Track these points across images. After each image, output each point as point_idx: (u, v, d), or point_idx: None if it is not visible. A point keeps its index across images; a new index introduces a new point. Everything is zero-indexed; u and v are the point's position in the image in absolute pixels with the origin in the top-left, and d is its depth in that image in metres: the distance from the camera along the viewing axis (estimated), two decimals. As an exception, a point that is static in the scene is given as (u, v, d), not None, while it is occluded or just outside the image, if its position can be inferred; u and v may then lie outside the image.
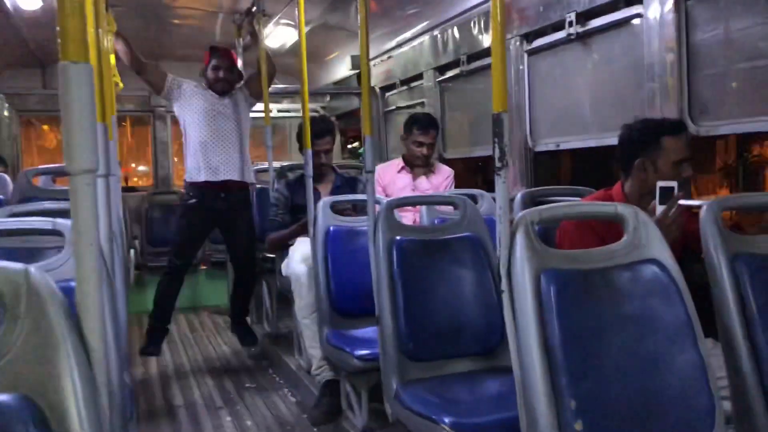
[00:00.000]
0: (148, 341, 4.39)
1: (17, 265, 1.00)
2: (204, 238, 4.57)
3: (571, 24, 3.22)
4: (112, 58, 3.43)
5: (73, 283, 1.06)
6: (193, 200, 4.30)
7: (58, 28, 1.01)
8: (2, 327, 0.98)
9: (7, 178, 4.00)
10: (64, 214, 2.06)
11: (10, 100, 6.58)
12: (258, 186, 5.03)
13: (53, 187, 3.76)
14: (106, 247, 1.90)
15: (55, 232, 1.82)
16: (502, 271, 1.64)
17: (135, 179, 8.72)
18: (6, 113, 6.59)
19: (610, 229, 2.17)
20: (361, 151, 7.63)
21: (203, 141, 4.25)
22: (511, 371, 1.65)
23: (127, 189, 6.60)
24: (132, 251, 5.83)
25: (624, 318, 1.65)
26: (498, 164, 1.66)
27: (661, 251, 1.74)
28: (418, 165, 4.20)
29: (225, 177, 4.27)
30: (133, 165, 8.90)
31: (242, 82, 4.49)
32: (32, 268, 1.01)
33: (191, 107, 4.29)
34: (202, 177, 4.25)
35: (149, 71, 4.30)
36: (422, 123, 4.19)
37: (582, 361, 1.56)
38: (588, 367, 1.56)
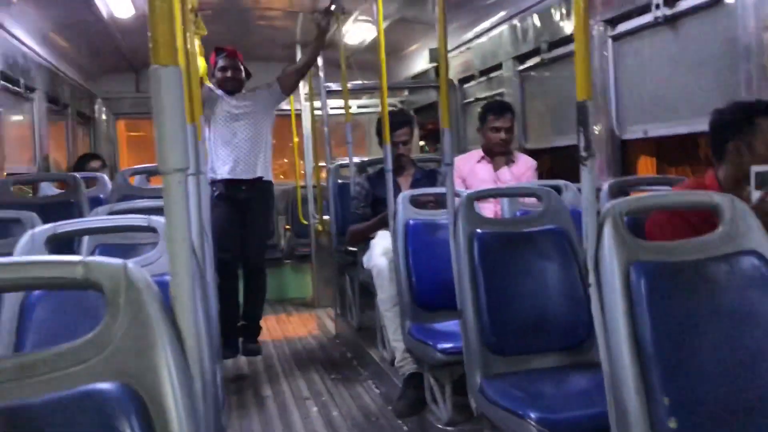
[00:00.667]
0: (224, 344, 4.34)
1: (117, 261, 1.05)
2: (239, 227, 4.40)
3: (658, 6, 3.09)
4: (201, 62, 3.56)
5: (167, 277, 1.11)
6: (217, 192, 4.33)
7: (149, 34, 1.05)
8: (104, 320, 1.04)
9: (107, 178, 4.21)
10: (158, 211, 2.15)
11: (107, 104, 6.94)
12: (339, 181, 5.10)
13: (148, 186, 3.94)
14: (196, 243, 1.97)
15: (150, 229, 1.90)
16: (590, 264, 1.60)
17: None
18: (104, 116, 6.95)
19: (703, 219, 2.08)
20: (425, 148, 7.58)
21: (217, 140, 4.33)
22: (598, 366, 1.60)
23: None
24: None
25: (720, 312, 1.58)
26: (583, 154, 1.62)
27: (761, 242, 1.65)
28: (498, 152, 4.14)
29: (239, 176, 4.31)
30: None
31: (275, 78, 4.52)
32: (130, 263, 1.05)
33: (210, 109, 4.36)
34: (218, 176, 4.32)
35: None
36: (496, 108, 4.15)
37: (675, 357, 1.50)
38: (682, 362, 1.50)
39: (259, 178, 4.38)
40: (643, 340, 1.49)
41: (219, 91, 4.40)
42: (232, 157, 4.32)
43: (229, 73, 4.39)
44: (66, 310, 1.68)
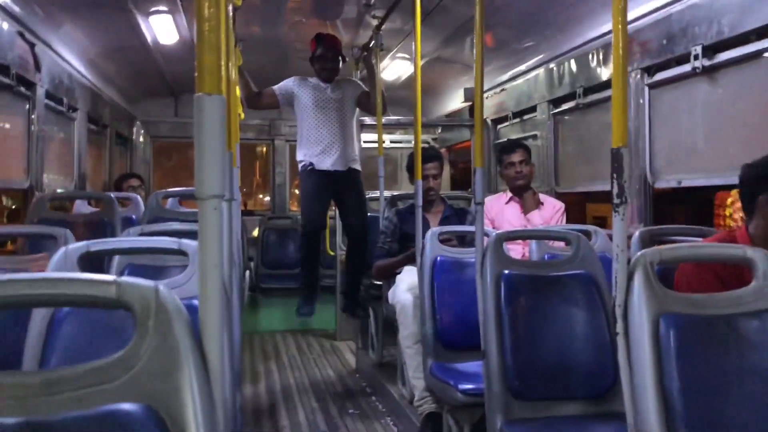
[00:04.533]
0: (302, 301, 4.59)
1: (148, 282, 1.07)
2: (327, 199, 4.52)
3: (696, 57, 3.09)
4: (237, 90, 3.63)
5: (195, 301, 1.12)
6: (309, 166, 4.42)
7: (195, 63, 1.08)
8: (132, 340, 1.05)
9: (140, 199, 4.29)
10: (188, 234, 2.18)
11: (145, 127, 7.09)
12: (369, 214, 5.11)
13: (180, 209, 4.00)
14: (226, 268, 1.99)
15: (180, 252, 1.92)
16: (618, 312, 1.57)
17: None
18: (141, 138, 7.10)
19: (732, 272, 2.04)
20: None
21: (312, 126, 4.41)
22: (622, 417, 1.57)
23: (245, 213, 6.90)
24: (247, 273, 6.07)
25: (750, 370, 1.54)
26: (616, 200, 1.61)
27: (795, 300, 1.62)
28: (520, 186, 4.15)
29: (333, 167, 4.39)
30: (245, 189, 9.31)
31: (363, 90, 4.60)
32: (161, 286, 1.07)
33: (301, 99, 4.47)
34: (312, 160, 4.40)
35: (262, 99, 4.52)
36: (506, 146, 4.26)
37: (703, 413, 1.46)
38: (709, 419, 1.47)
39: (350, 170, 4.47)
40: (670, 394, 1.46)
41: (311, 79, 4.52)
42: (326, 144, 4.41)
43: (328, 63, 4.47)
44: (93, 329, 1.70)
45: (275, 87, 4.54)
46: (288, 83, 4.53)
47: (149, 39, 4.88)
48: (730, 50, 2.96)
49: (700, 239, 2.71)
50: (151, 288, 1.06)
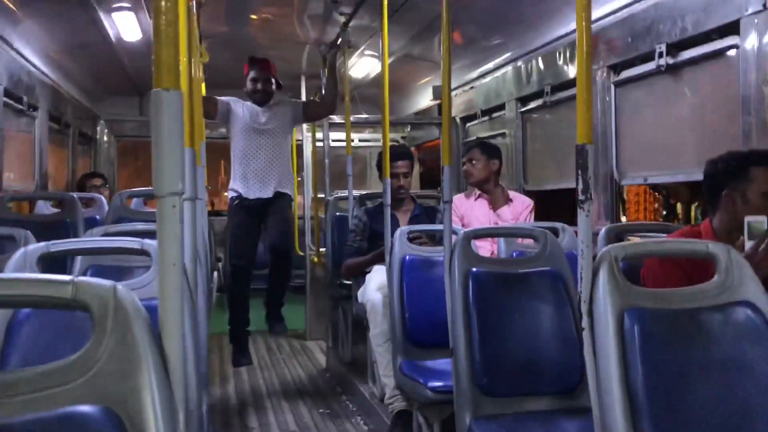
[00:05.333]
0: (235, 351, 4.50)
1: (106, 282, 1.04)
2: (255, 234, 4.50)
3: (661, 55, 3.13)
4: (203, 88, 3.59)
5: (157, 302, 1.09)
6: (236, 200, 4.41)
7: (153, 57, 1.06)
8: (90, 341, 1.02)
9: (104, 199, 4.21)
10: (152, 235, 2.14)
11: (109, 126, 6.97)
12: (337, 214, 5.10)
13: (144, 209, 3.93)
14: (190, 268, 1.95)
15: (143, 252, 1.89)
16: (584, 308, 1.58)
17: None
18: (105, 138, 6.98)
19: (696, 267, 2.07)
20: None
21: (243, 153, 4.37)
22: (589, 412, 1.58)
23: (212, 213, 6.82)
24: (215, 273, 6.00)
25: (713, 363, 1.56)
26: (581, 197, 1.62)
27: (756, 293, 1.64)
28: (472, 183, 4.20)
29: (260, 195, 4.35)
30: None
31: (303, 101, 4.59)
32: (119, 286, 1.04)
33: (236, 122, 4.43)
34: (241, 189, 4.37)
35: (203, 102, 4.47)
36: (465, 147, 4.35)
37: (667, 406, 1.48)
38: (673, 412, 1.48)
39: (276, 193, 4.42)
40: (635, 387, 1.48)
41: (244, 103, 4.46)
42: (255, 172, 4.37)
43: (259, 85, 4.44)
44: (54, 330, 1.66)
45: (220, 98, 4.47)
46: (227, 99, 4.48)
47: (112, 36, 4.79)
48: (693, 48, 3.01)
49: (665, 235, 2.75)
50: (109, 288, 1.03)
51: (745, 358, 1.56)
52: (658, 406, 1.47)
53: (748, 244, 2.05)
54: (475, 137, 5.57)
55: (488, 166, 4.17)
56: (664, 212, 5.69)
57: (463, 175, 4.27)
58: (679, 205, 5.75)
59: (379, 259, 3.75)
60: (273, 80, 4.52)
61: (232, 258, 4.49)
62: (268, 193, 4.37)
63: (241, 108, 4.44)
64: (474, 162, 4.16)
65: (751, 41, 2.65)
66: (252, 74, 4.45)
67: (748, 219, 2.08)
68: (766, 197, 2.19)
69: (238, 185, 4.39)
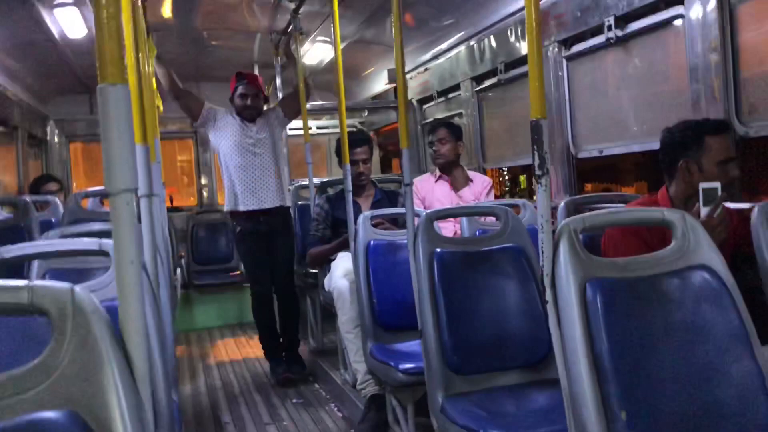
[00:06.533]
0: (273, 368, 4.53)
1: (63, 285, 1.02)
2: (266, 257, 4.48)
3: (609, 28, 3.17)
4: (154, 83, 3.52)
5: (118, 302, 1.07)
6: (239, 227, 4.40)
7: (96, 51, 1.03)
8: (50, 345, 1.00)
9: (58, 201, 4.11)
10: (110, 234, 2.10)
11: (60, 126, 6.80)
12: (299, 203, 5.07)
13: (102, 209, 3.85)
14: (150, 266, 1.93)
15: (102, 252, 1.85)
16: (546, 282, 1.61)
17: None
18: (56, 138, 6.80)
19: (656, 235, 2.12)
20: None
21: (238, 171, 4.32)
22: (558, 384, 1.61)
23: (172, 209, 6.73)
24: (178, 270, 5.93)
25: (674, 327, 1.60)
26: (538, 172, 1.63)
27: (711, 256, 1.69)
28: (441, 165, 4.21)
29: (261, 206, 4.32)
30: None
31: (277, 103, 4.55)
32: (77, 288, 1.02)
33: (225, 137, 4.35)
34: (240, 207, 4.33)
35: (188, 97, 4.39)
36: (431, 126, 4.30)
37: (632, 372, 1.51)
38: (638, 377, 1.52)
39: (280, 206, 4.41)
40: (600, 356, 1.50)
41: (234, 117, 4.37)
42: (254, 187, 4.32)
43: (249, 101, 4.36)
44: (12, 338, 1.62)
45: (210, 105, 4.41)
46: (217, 110, 4.39)
47: (56, 33, 4.66)
48: (640, 20, 3.05)
49: (623, 205, 2.80)
50: (67, 290, 1.02)
51: (704, 320, 1.60)
52: (623, 372, 1.50)
53: (704, 210, 2.11)
54: (432, 119, 5.59)
55: (456, 147, 4.21)
56: (508, 186, 6.54)
57: (432, 156, 4.24)
58: (522, 178, 6.31)
59: (343, 247, 3.76)
60: (262, 95, 4.47)
61: (251, 284, 4.55)
62: (270, 204, 4.35)
63: (231, 123, 4.37)
64: (444, 141, 4.17)
65: (695, 11, 2.70)
66: (241, 89, 4.36)
67: (702, 185, 2.13)
68: (720, 165, 2.24)
69: (236, 202, 4.35)
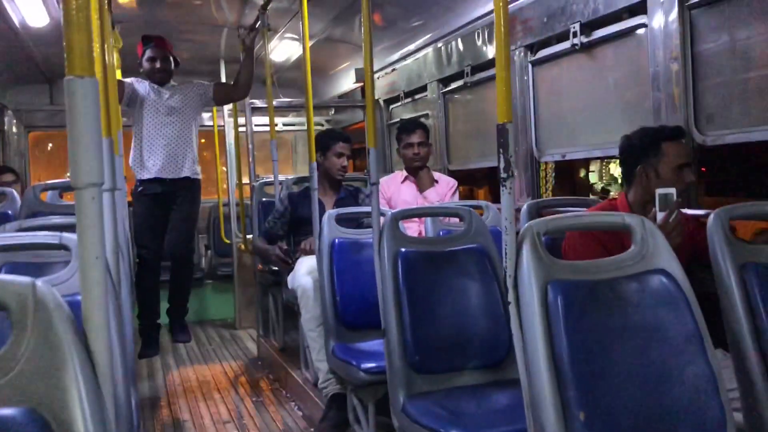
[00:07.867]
0: (143, 343, 4.39)
1: (24, 279, 1.00)
2: (162, 223, 4.38)
3: (575, 34, 3.22)
4: (118, 73, 3.46)
5: (79, 297, 1.06)
6: (140, 188, 4.30)
7: (65, 43, 1.02)
8: (9, 340, 0.98)
9: (15, 193, 4.00)
10: (71, 228, 2.06)
11: (18, 116, 6.63)
12: (264, 199, 5.04)
13: (60, 202, 3.77)
14: (111, 261, 1.90)
15: (62, 247, 1.81)
16: (509, 283, 1.63)
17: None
18: (14, 129, 6.63)
19: (614, 239, 2.17)
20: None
21: (145, 134, 4.24)
22: (518, 384, 1.63)
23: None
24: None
25: (632, 329, 1.64)
26: (503, 175, 1.66)
27: (669, 261, 1.73)
28: (416, 168, 4.20)
29: (165, 175, 4.25)
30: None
31: (213, 83, 4.50)
32: (39, 282, 1.00)
33: (139, 101, 4.28)
34: (144, 174, 4.25)
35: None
36: (407, 125, 4.27)
37: (590, 373, 1.54)
38: (596, 378, 1.55)
39: (186, 178, 4.30)
40: (560, 357, 1.53)
41: (146, 83, 4.29)
42: (161, 153, 4.22)
43: (158, 64, 4.29)
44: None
45: (123, 80, 4.28)
46: (130, 80, 4.31)
47: (17, 21, 4.54)
48: (605, 27, 3.11)
49: (585, 209, 2.85)
50: (28, 285, 1.00)
51: (661, 323, 1.65)
52: (581, 373, 1.53)
53: (660, 215, 2.16)
54: (399, 119, 5.61)
55: (430, 149, 4.24)
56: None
57: (408, 157, 4.19)
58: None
59: (281, 262, 3.83)
60: (171, 58, 4.39)
61: (137, 249, 4.33)
62: (178, 173, 4.26)
63: (145, 88, 4.29)
64: (423, 144, 4.18)
65: (657, 20, 2.76)
66: (149, 53, 4.30)
67: (658, 191, 2.19)
68: (676, 171, 2.31)
69: (142, 167, 4.24)
